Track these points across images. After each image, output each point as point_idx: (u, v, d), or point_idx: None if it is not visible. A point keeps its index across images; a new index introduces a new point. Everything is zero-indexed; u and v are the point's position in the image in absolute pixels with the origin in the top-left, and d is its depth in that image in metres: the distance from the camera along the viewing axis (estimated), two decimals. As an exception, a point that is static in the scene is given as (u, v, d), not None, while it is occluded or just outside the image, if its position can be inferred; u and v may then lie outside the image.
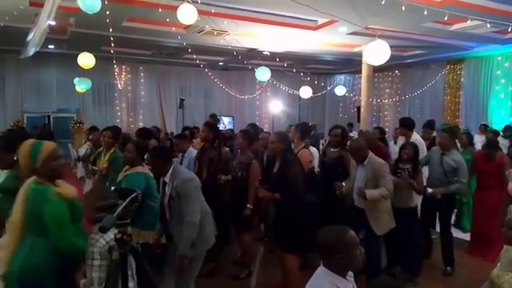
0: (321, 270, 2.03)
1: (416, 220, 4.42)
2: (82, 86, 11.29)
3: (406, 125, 5.46)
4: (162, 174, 3.17)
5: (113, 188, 2.34)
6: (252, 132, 5.09)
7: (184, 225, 3.00)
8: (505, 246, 2.57)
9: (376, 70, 11.30)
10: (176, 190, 3.04)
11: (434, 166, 4.60)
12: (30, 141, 2.48)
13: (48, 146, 2.42)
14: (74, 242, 2.34)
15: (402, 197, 4.12)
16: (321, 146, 6.68)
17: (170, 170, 3.12)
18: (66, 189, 2.40)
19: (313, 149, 4.90)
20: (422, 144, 5.15)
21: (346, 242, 1.96)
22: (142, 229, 3.38)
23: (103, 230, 1.73)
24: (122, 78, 13.55)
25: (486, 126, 9.26)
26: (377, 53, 6.04)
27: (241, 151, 4.38)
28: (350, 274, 2.08)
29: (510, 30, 6.84)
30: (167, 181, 3.11)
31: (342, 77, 16.37)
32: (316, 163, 4.78)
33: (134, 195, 2.09)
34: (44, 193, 2.31)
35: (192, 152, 4.83)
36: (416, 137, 5.38)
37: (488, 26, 6.93)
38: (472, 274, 4.52)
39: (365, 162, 3.93)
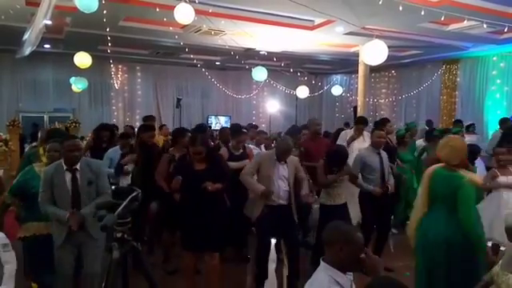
0: (321, 266, 2.04)
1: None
2: (78, 85, 11.25)
3: (364, 123, 6.18)
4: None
5: (113, 187, 2.34)
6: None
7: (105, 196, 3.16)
8: (508, 243, 2.58)
9: (372, 69, 11.33)
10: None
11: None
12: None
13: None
14: (474, 222, 2.88)
15: (338, 193, 4.42)
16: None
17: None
18: (473, 176, 3.00)
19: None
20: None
21: (350, 237, 1.98)
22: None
23: (104, 229, 1.73)
24: (118, 77, 13.50)
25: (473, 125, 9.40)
26: (374, 53, 6.07)
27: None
28: (349, 272, 2.10)
29: (505, 30, 6.88)
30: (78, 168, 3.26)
31: (339, 77, 16.39)
32: None
33: (134, 194, 2.09)
34: (459, 178, 2.93)
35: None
36: (365, 132, 6.03)
37: (484, 26, 6.97)
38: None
39: (287, 160, 4.17)
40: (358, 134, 5.96)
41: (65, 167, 3.21)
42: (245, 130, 5.71)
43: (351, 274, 2.12)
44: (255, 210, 4.10)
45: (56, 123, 10.63)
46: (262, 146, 6.20)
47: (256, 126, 5.72)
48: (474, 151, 5.21)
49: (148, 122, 6.18)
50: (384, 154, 4.74)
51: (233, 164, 4.68)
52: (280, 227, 3.92)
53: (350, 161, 4.74)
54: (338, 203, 4.38)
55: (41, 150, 4.01)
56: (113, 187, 2.35)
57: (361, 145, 5.74)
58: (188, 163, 3.72)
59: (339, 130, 7.92)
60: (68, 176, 3.20)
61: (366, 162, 4.62)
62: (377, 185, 4.57)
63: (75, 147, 3.20)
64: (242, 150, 5.03)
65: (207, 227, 3.57)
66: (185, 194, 3.71)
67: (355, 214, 4.96)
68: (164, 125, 10.56)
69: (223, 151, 4.93)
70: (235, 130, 5.23)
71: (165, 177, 4.27)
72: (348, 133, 6.29)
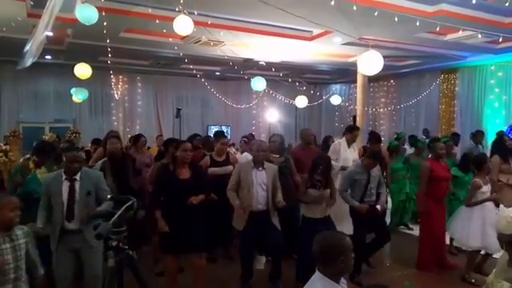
0: (315, 276, 2.06)
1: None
2: (78, 96, 11.30)
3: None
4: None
5: (109, 196, 2.37)
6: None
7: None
8: (502, 252, 2.60)
9: (371, 79, 11.40)
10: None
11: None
12: None
13: None
14: None
15: (317, 207, 4.33)
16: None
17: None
18: None
19: None
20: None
21: (346, 246, 2.05)
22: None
23: (99, 238, 1.75)
24: (119, 88, 13.57)
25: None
26: (370, 63, 6.11)
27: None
28: (343, 280, 2.12)
29: (500, 40, 6.94)
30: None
31: (338, 86, 16.49)
32: None
33: (129, 203, 2.12)
34: None
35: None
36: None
37: (479, 36, 7.03)
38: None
39: (265, 166, 4.34)
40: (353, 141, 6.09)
41: (64, 176, 3.28)
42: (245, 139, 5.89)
43: (345, 282, 2.14)
44: (241, 221, 4.34)
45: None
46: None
47: (252, 136, 5.86)
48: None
49: (113, 134, 6.43)
50: (374, 172, 4.71)
51: (214, 169, 5.00)
52: (261, 231, 4.23)
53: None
54: (317, 217, 4.33)
55: (31, 164, 4.15)
56: (108, 196, 2.38)
57: (354, 155, 5.76)
58: (171, 172, 3.88)
59: (327, 138, 7.96)
60: (66, 185, 3.27)
61: (355, 179, 4.67)
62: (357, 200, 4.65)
63: (75, 159, 3.29)
64: (224, 157, 5.28)
65: (194, 230, 3.80)
66: (168, 202, 3.84)
67: (348, 228, 5.03)
68: (160, 135, 10.79)
69: (205, 160, 5.19)
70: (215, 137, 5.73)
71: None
72: (341, 143, 6.15)
